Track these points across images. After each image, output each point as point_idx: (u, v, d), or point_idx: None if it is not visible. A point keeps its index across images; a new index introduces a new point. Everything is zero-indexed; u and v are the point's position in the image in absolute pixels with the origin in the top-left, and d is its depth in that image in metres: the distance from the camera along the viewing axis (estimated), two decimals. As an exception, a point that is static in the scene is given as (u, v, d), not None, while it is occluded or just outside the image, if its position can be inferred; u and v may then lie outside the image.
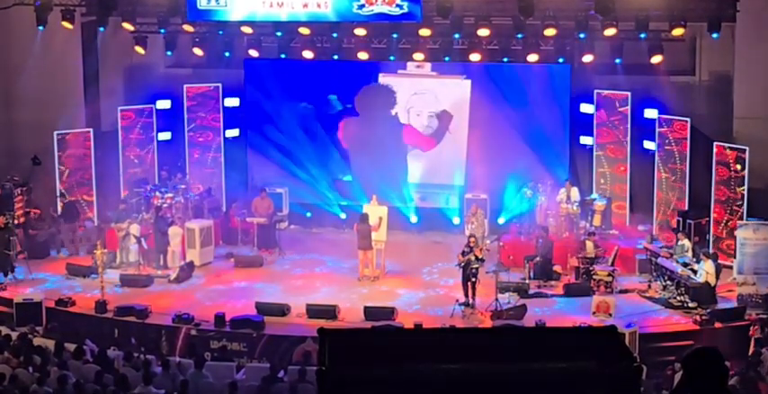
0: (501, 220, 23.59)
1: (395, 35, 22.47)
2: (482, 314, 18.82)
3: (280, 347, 17.85)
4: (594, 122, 23.43)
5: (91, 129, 23.95)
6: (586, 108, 23.58)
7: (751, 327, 16.75)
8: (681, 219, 21.44)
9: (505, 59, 23.22)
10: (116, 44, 24.84)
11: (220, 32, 23.36)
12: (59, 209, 23.10)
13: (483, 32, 21.60)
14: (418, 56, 23.28)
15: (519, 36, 21.88)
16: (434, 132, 24.61)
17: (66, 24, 22.19)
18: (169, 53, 24.43)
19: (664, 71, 23.33)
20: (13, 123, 24.34)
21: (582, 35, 21.62)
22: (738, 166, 20.78)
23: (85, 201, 23.71)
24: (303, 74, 24.72)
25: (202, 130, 24.94)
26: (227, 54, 23.95)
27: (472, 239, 19.55)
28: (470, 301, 19.17)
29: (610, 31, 21.01)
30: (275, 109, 25.02)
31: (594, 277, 20.03)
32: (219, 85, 24.88)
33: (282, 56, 24.00)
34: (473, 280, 19.21)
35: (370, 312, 18.63)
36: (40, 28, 21.96)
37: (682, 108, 22.83)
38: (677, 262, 19.67)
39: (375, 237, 21.25)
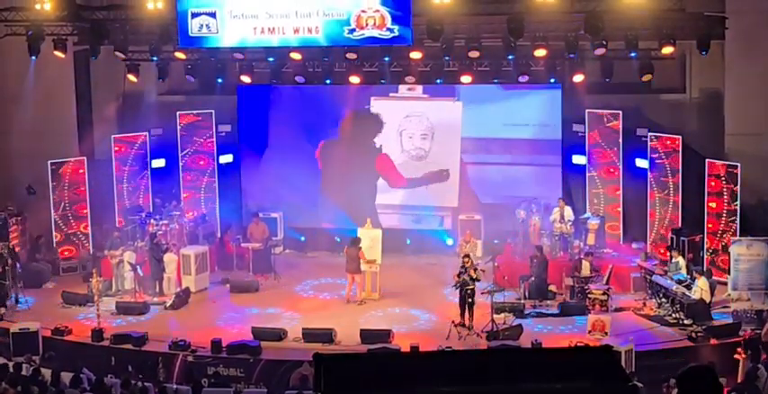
0: (495, 242, 23.60)
1: (386, 59, 22.57)
2: (479, 335, 18.81)
3: (277, 372, 17.82)
4: (587, 142, 23.52)
5: (85, 158, 23.98)
6: (578, 127, 23.68)
7: (738, 350, 16.43)
8: (674, 236, 21.48)
9: (496, 81, 23.37)
10: (109, 72, 24.97)
11: (212, 59, 23.44)
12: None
13: (474, 54, 21.73)
14: (410, 79, 23.40)
15: (509, 57, 22.03)
16: (425, 155, 24.70)
17: (59, 53, 22.27)
18: (162, 80, 24.55)
19: (654, 89, 23.51)
20: (8, 153, 24.36)
21: (572, 55, 21.74)
22: (731, 183, 20.86)
23: (82, 233, 23.72)
24: (296, 99, 24.84)
25: (196, 157, 24.99)
26: (219, 80, 24.08)
27: (467, 260, 19.54)
28: (467, 323, 19.16)
29: (600, 51, 21.12)
30: (268, 134, 25.13)
31: (589, 296, 20.06)
32: (212, 111, 24.94)
33: (274, 81, 24.11)
34: (469, 301, 19.22)
35: (366, 335, 18.61)
36: (33, 58, 22.01)
37: (673, 126, 22.95)
38: (672, 279, 19.71)
39: (369, 259, 21.26)
